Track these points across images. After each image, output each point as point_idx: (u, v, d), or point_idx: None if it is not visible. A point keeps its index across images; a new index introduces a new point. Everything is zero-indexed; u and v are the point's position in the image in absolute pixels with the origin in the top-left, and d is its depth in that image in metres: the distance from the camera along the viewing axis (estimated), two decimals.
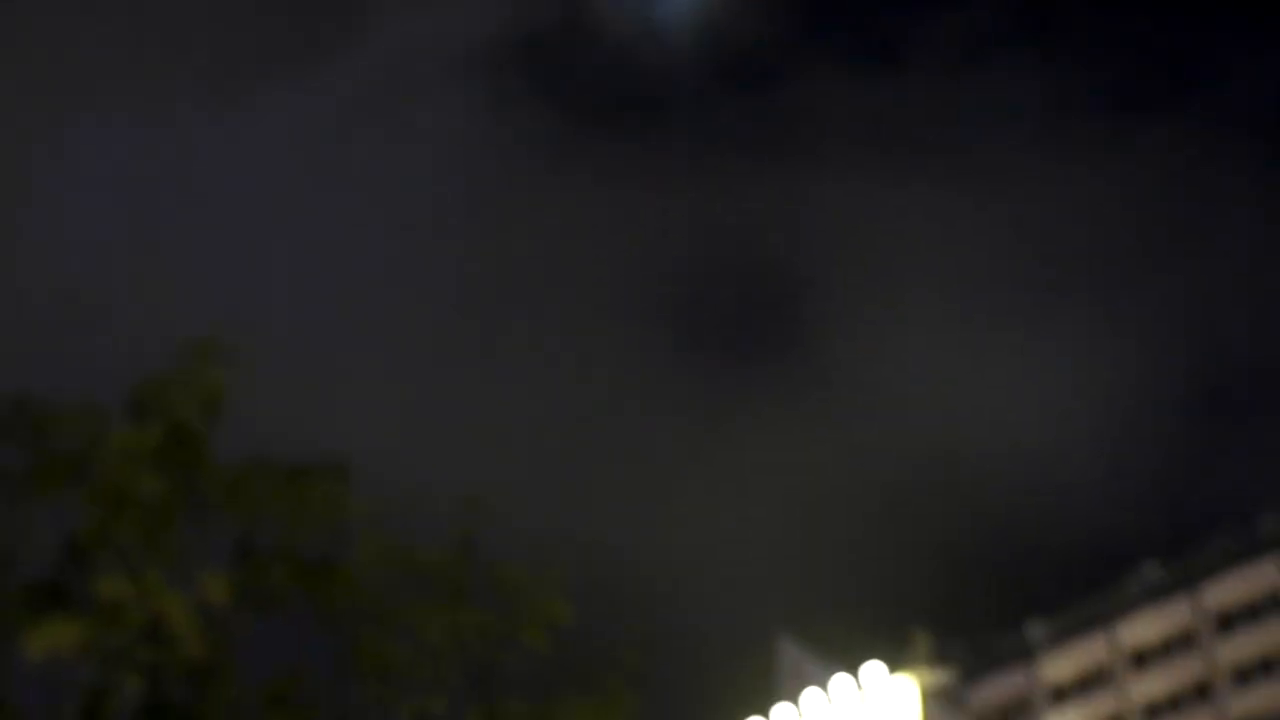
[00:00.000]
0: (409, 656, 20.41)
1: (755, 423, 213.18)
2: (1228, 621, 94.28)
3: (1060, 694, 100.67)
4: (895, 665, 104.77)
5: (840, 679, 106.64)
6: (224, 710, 19.87)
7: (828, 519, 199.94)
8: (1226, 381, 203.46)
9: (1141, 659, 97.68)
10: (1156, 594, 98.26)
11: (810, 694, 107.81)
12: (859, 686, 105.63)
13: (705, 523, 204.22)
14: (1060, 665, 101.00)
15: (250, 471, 20.19)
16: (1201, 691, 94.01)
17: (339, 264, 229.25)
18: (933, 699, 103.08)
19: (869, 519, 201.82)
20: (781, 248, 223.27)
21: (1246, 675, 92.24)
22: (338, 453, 20.61)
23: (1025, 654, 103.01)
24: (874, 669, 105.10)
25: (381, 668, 20.27)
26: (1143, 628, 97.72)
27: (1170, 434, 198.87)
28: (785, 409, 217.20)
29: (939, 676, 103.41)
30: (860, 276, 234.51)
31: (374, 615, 20.49)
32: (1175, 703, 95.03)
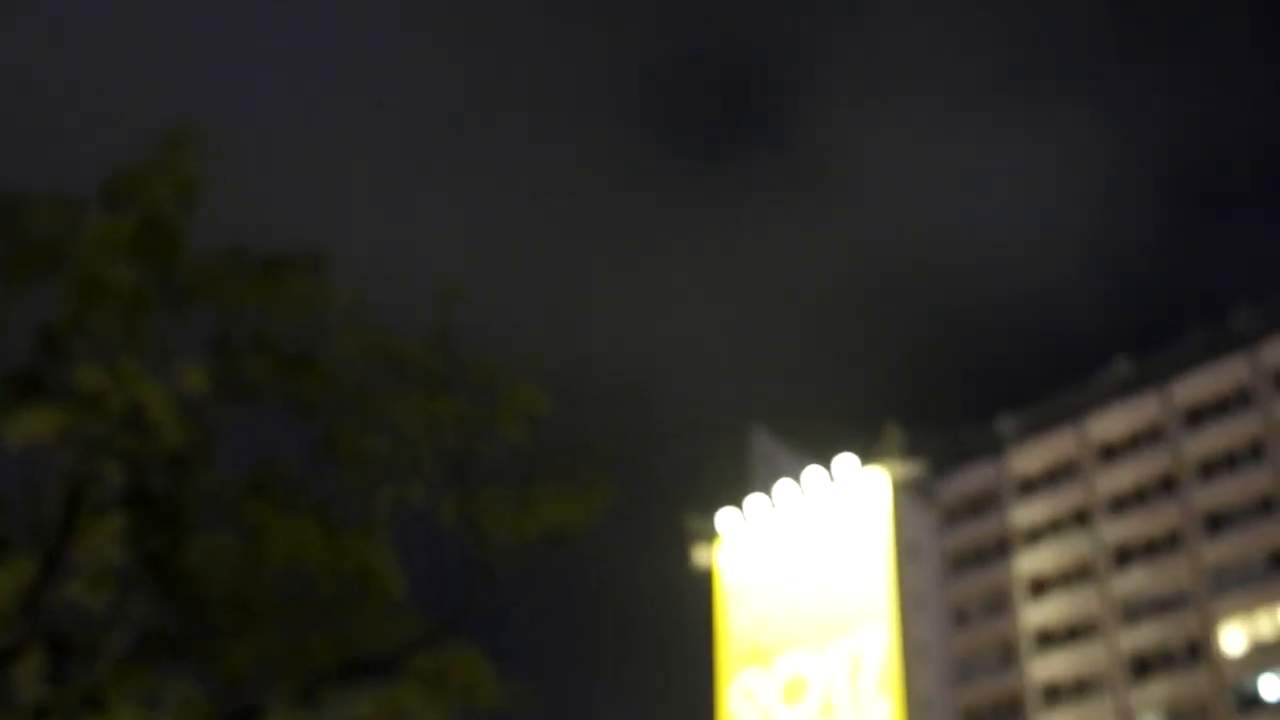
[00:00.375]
0: (387, 446, 20.50)
1: (732, 220, 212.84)
2: (1196, 416, 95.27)
3: (1028, 486, 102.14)
4: (867, 457, 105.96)
5: (812, 470, 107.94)
6: (203, 499, 20.04)
7: (804, 314, 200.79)
8: (1203, 175, 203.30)
9: (1109, 452, 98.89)
10: (1126, 389, 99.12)
11: (783, 485, 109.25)
12: (831, 478, 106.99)
13: (682, 318, 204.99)
14: (1029, 458, 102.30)
15: (227, 262, 20.07)
16: (1167, 485, 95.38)
17: (322, 56, 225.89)
18: (903, 490, 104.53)
19: (844, 314, 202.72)
20: (764, 45, 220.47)
21: (1211, 470, 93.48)
22: (315, 244, 20.49)
23: (995, 447, 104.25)
24: (846, 461, 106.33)
25: (360, 458, 20.37)
26: (1111, 422, 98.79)
27: (1147, 229, 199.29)
28: (763, 206, 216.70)
29: (910, 469, 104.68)
30: (840, 75, 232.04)
31: (352, 406, 20.54)
32: (1141, 495, 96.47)
